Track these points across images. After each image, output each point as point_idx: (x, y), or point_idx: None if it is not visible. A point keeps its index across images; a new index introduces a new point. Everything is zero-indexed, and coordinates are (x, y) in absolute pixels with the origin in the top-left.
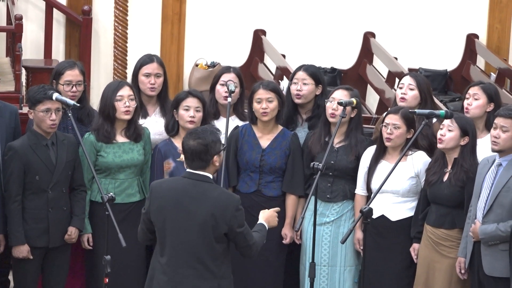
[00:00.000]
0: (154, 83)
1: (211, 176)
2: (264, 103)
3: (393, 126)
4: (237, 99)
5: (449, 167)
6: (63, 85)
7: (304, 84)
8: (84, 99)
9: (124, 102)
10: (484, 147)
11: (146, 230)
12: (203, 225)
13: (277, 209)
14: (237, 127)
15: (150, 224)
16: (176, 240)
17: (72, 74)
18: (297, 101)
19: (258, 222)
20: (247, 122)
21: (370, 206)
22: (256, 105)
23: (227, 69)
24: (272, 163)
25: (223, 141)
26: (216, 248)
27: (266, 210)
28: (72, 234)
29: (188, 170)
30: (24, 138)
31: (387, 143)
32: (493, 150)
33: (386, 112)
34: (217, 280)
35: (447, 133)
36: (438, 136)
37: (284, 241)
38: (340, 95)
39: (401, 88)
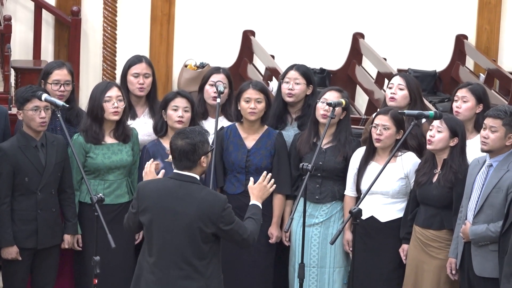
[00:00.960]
0: (143, 83)
1: (198, 177)
2: (253, 103)
3: (382, 127)
4: (226, 100)
5: (439, 168)
6: (51, 84)
7: (296, 83)
8: (73, 99)
9: (113, 103)
10: (473, 148)
11: (133, 225)
12: (189, 225)
13: (264, 176)
14: (222, 128)
15: (138, 223)
16: (163, 241)
17: (61, 74)
18: (288, 99)
19: (250, 203)
20: (234, 123)
21: (359, 207)
22: (244, 104)
23: (216, 70)
24: (257, 163)
25: (211, 140)
26: (203, 248)
27: (253, 185)
28: (68, 244)
29: (175, 171)
30: (13, 140)
31: (376, 144)
32: (482, 150)
33: (375, 113)
34: (205, 280)
35: (436, 134)
36: (428, 137)
37: (270, 241)
38: (331, 96)
39: (390, 88)
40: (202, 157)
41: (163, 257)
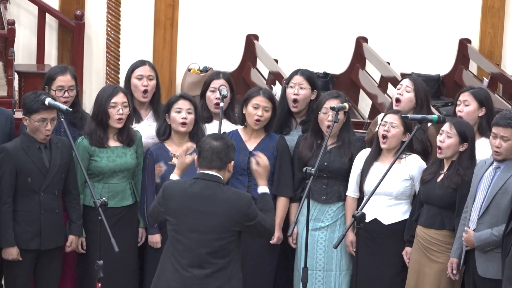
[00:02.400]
0: (147, 85)
1: (223, 179)
2: (261, 110)
3: (391, 125)
4: (228, 104)
5: (445, 169)
6: (55, 90)
7: (301, 88)
8: (77, 103)
9: (118, 110)
10: (477, 151)
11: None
12: (216, 226)
13: (260, 158)
14: (224, 133)
15: (164, 219)
16: (188, 241)
17: (64, 80)
18: (293, 110)
19: (260, 192)
20: (236, 128)
21: (363, 210)
22: (251, 110)
23: (217, 75)
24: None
25: None
26: (227, 247)
27: (257, 166)
28: (72, 244)
29: (201, 171)
30: (17, 140)
31: (383, 142)
32: (496, 160)
33: (385, 112)
34: (227, 278)
35: (446, 140)
36: (438, 143)
37: (271, 241)
38: (332, 104)
39: (398, 89)
40: (232, 162)
41: (188, 256)
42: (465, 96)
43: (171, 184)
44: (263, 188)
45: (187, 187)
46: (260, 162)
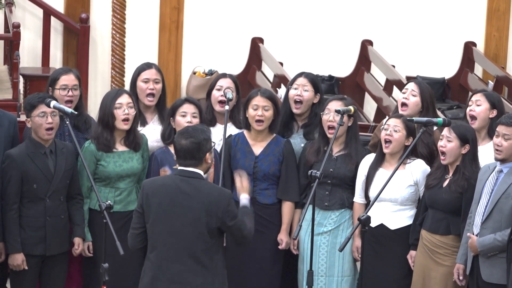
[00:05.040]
0: (153, 88)
1: (202, 173)
2: (260, 110)
3: (393, 129)
4: (233, 106)
5: (450, 174)
6: (59, 89)
7: (305, 90)
8: (81, 106)
9: (123, 110)
10: (486, 154)
11: (138, 231)
12: (196, 220)
13: (242, 178)
14: (230, 135)
15: (142, 224)
16: (168, 236)
17: (68, 79)
18: (295, 111)
19: (241, 203)
20: (242, 130)
21: (368, 214)
22: (251, 112)
23: (223, 75)
24: (265, 170)
25: (219, 147)
26: (209, 243)
27: (240, 183)
28: (79, 246)
29: (179, 168)
30: (22, 146)
31: (385, 146)
32: (496, 159)
33: (387, 117)
34: (210, 275)
35: (447, 144)
36: (439, 148)
37: (279, 246)
38: (334, 106)
39: (404, 93)
40: (207, 154)
41: (168, 252)
42: (477, 97)
43: (150, 181)
44: (245, 201)
45: (166, 182)
46: (243, 183)
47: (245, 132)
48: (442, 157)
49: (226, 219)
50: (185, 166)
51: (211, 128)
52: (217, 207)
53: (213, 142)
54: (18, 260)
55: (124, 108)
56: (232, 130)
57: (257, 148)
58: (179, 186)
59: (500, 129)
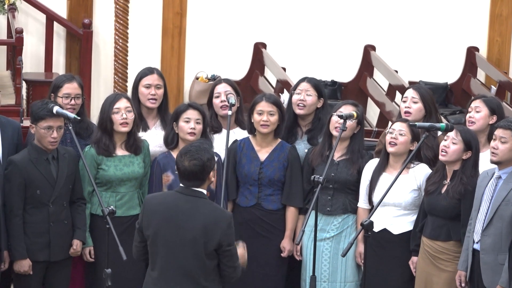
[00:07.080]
0: (154, 93)
1: (205, 192)
2: (266, 115)
3: (398, 132)
4: (236, 109)
5: (448, 179)
6: (61, 97)
7: (308, 95)
8: (83, 112)
9: (121, 114)
10: (486, 161)
11: (140, 245)
12: (194, 240)
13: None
14: (235, 141)
15: (143, 238)
16: (167, 255)
17: (71, 87)
18: (298, 112)
19: None
20: (247, 136)
21: (371, 219)
22: (256, 117)
23: (219, 81)
24: (270, 176)
25: (223, 152)
26: (207, 264)
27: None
28: (77, 247)
29: (182, 185)
30: (24, 152)
31: (390, 149)
32: (492, 162)
33: (391, 123)
34: None
35: (451, 146)
36: (441, 147)
37: (282, 254)
38: (346, 109)
39: (404, 101)
40: (210, 173)
41: (167, 271)
42: (476, 103)
43: (152, 197)
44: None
45: (167, 200)
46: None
47: (250, 137)
48: (442, 153)
49: (224, 243)
50: (188, 186)
51: (218, 135)
52: (216, 229)
53: (217, 155)
54: (25, 266)
55: (122, 112)
56: (239, 132)
57: (263, 154)
58: (179, 204)
59: (498, 132)
